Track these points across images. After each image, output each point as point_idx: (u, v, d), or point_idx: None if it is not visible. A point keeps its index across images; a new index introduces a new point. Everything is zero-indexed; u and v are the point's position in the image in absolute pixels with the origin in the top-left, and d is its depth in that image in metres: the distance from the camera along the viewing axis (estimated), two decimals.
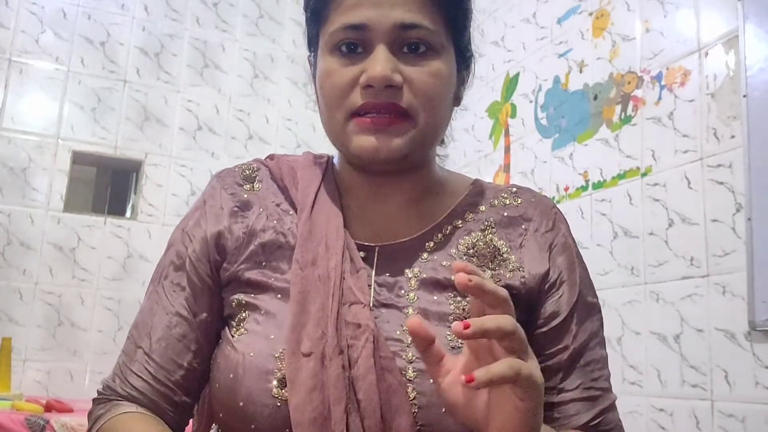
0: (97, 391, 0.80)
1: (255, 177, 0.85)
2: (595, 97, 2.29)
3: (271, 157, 0.88)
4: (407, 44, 0.74)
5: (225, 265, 0.80)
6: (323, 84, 0.77)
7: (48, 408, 2.28)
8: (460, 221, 0.82)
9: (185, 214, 0.86)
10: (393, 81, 0.73)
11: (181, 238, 0.83)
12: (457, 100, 0.83)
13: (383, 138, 0.73)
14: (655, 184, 2.00)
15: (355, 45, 0.75)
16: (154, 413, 0.76)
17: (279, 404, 0.69)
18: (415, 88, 0.74)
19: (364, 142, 0.74)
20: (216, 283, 0.80)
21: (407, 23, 0.74)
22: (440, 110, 0.77)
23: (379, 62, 0.72)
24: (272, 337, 0.72)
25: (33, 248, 3.02)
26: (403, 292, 0.76)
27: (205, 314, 0.79)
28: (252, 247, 0.79)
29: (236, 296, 0.78)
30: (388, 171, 0.79)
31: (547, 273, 0.79)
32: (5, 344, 2.66)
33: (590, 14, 2.37)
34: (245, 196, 0.83)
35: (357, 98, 0.74)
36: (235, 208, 0.82)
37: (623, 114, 2.15)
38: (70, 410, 2.31)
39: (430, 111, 0.75)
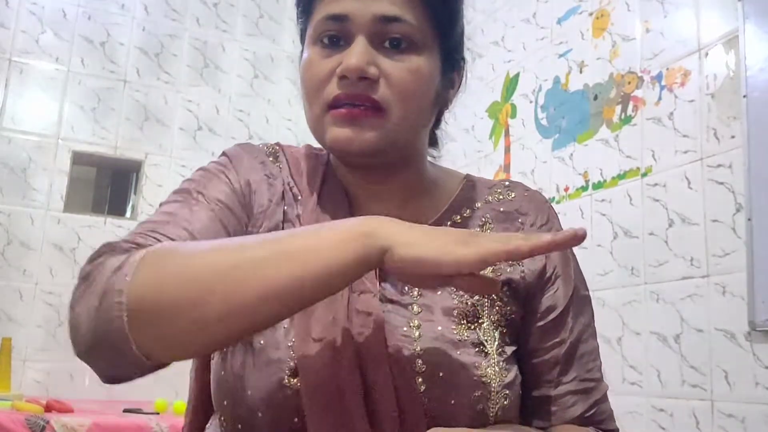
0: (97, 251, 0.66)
1: (278, 156, 0.85)
2: (595, 98, 2.29)
3: (277, 144, 0.88)
4: (389, 39, 0.75)
5: (249, 228, 0.78)
6: (303, 74, 0.78)
7: (48, 408, 2.28)
8: (458, 217, 0.82)
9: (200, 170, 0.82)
10: (367, 73, 0.73)
11: (214, 168, 0.80)
12: (443, 102, 0.83)
13: (356, 130, 0.73)
14: (655, 185, 2.00)
15: (337, 38, 0.76)
16: None
17: (289, 393, 0.69)
18: (391, 83, 0.74)
19: (338, 133, 0.74)
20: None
21: (389, 16, 0.74)
22: (416, 107, 0.77)
23: (355, 54, 0.73)
24: (285, 326, 0.72)
25: (33, 248, 3.03)
26: (406, 288, 0.76)
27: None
28: (270, 222, 0.79)
29: None
30: (373, 167, 0.79)
31: (544, 268, 0.80)
32: (5, 344, 2.66)
33: (590, 14, 2.37)
34: (272, 168, 0.83)
35: (333, 89, 0.74)
36: (265, 176, 0.81)
37: (623, 114, 2.15)
38: (70, 410, 2.31)
39: (404, 106, 0.75)
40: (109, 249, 0.66)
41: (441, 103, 0.83)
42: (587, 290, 0.84)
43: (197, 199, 0.75)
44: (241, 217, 0.77)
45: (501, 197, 0.85)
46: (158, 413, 2.46)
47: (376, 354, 0.70)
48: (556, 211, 0.88)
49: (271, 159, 0.84)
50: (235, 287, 0.57)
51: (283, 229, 0.78)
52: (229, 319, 0.58)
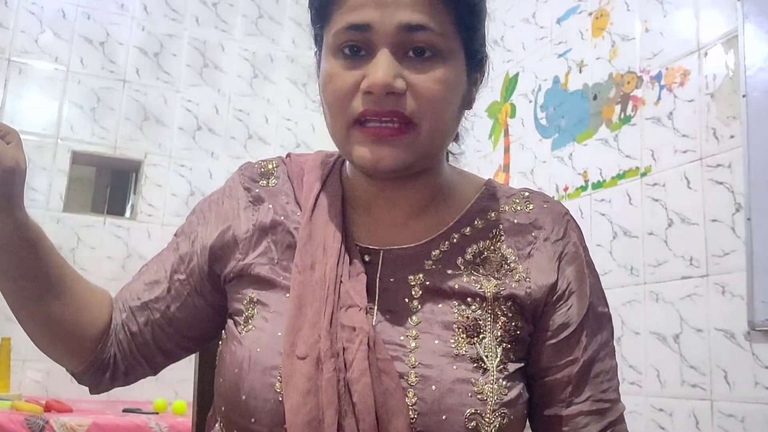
0: None
1: (272, 174, 0.86)
2: (595, 97, 2.29)
3: (289, 155, 0.89)
4: (413, 48, 0.72)
5: (237, 255, 0.81)
6: (325, 88, 0.75)
7: (47, 408, 2.28)
8: (469, 229, 0.80)
9: (210, 194, 0.89)
10: (394, 88, 0.70)
11: (196, 218, 0.87)
12: (467, 103, 0.81)
13: (384, 149, 0.71)
14: (655, 184, 2.00)
15: (358, 48, 0.73)
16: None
17: (281, 399, 0.69)
18: (419, 95, 0.71)
19: (365, 153, 0.72)
20: (208, 281, 0.84)
21: (413, 24, 0.71)
22: (445, 117, 0.75)
23: (381, 68, 0.70)
24: (280, 334, 0.73)
25: None
26: (406, 299, 0.75)
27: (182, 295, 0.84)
28: (264, 242, 0.80)
29: (248, 293, 0.78)
30: (393, 178, 0.78)
31: (555, 284, 0.78)
32: (5, 344, 2.66)
33: (590, 14, 2.37)
34: (257, 191, 0.84)
35: (358, 104, 0.72)
36: (248, 204, 0.83)
37: (623, 114, 2.15)
38: (69, 410, 2.31)
39: (434, 118, 0.73)
40: None
41: (466, 105, 0.81)
42: (606, 307, 0.81)
43: (173, 242, 0.87)
44: (189, 250, 0.85)
45: (518, 208, 0.82)
46: (157, 413, 2.46)
47: (359, 369, 0.69)
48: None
49: (261, 182, 0.85)
50: None
51: (276, 248, 0.80)
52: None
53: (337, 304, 0.73)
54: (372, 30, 0.71)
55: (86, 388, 0.86)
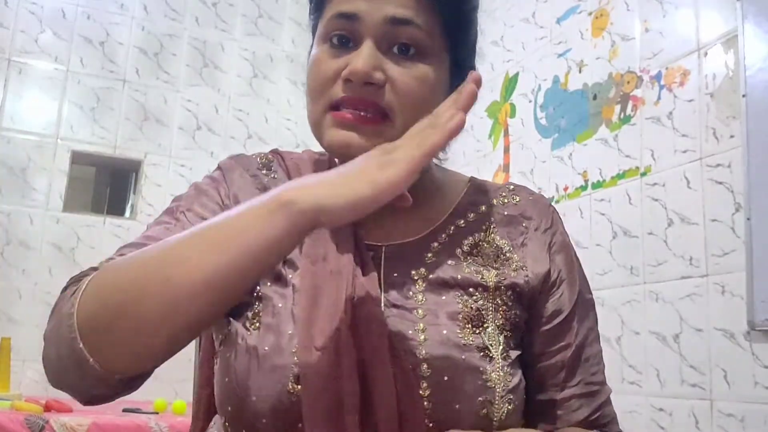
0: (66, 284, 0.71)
1: (271, 166, 0.85)
2: (595, 97, 2.30)
3: (275, 151, 0.88)
4: (398, 45, 0.74)
5: None
6: (310, 72, 0.77)
7: (47, 408, 2.28)
8: (462, 221, 0.82)
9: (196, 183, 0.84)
10: (372, 78, 0.72)
11: (206, 185, 0.82)
12: None
13: (357, 135, 0.73)
14: (655, 184, 2.00)
15: (346, 39, 0.75)
16: None
17: (294, 399, 0.68)
18: (397, 89, 0.73)
19: (336, 135, 0.74)
20: None
21: (398, 17, 0.73)
22: (421, 115, 0.74)
23: (362, 57, 0.72)
24: (289, 332, 0.72)
25: (32, 248, 3.02)
26: (411, 293, 0.76)
27: None
28: None
29: (258, 286, 0.77)
30: None
31: (548, 272, 0.80)
32: (5, 344, 2.66)
33: (589, 14, 2.37)
34: (265, 180, 0.83)
35: (338, 90, 0.74)
36: (257, 189, 0.82)
37: (622, 114, 2.15)
38: (69, 410, 2.31)
39: (410, 114, 0.73)
40: (74, 279, 0.70)
41: None
42: (591, 294, 0.84)
43: (179, 218, 0.78)
44: None
45: (506, 201, 0.85)
46: (157, 413, 2.46)
47: (379, 362, 0.69)
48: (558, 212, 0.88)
49: (264, 171, 0.84)
50: (164, 285, 0.59)
51: None
52: (167, 316, 0.59)
53: (354, 297, 0.73)
54: (359, 20, 0.74)
55: None
